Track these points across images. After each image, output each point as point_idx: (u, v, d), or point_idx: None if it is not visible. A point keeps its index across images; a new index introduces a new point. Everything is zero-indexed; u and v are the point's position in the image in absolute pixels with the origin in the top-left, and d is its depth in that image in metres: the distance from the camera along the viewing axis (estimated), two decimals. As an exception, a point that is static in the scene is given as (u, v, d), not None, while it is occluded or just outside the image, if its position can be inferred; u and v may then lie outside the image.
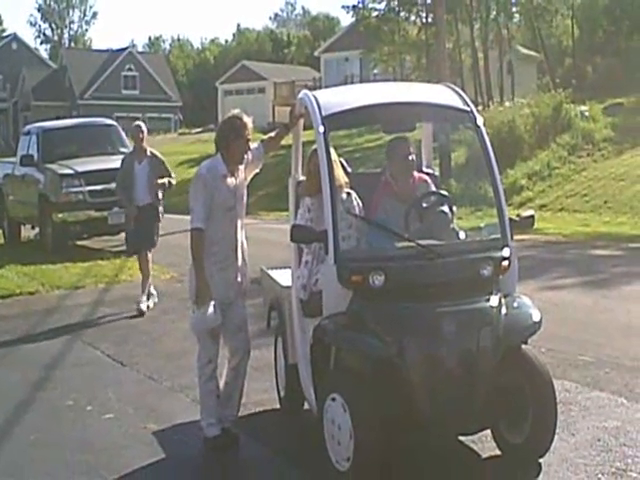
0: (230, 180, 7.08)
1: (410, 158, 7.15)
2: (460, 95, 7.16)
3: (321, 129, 6.65)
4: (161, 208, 13.21)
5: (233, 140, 7.03)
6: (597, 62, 53.84)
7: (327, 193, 6.42)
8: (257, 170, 7.50)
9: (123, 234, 19.74)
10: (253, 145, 7.33)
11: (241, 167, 7.19)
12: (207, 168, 7.09)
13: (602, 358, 9.12)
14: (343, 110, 6.86)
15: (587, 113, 30.21)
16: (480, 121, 6.95)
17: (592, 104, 32.11)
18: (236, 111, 7.25)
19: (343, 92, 8.16)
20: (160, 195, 13.08)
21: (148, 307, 12.74)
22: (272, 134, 7.73)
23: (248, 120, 7.09)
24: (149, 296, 12.96)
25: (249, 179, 7.39)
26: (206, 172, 7.05)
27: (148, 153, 12.98)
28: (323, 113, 6.74)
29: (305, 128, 7.64)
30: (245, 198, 7.28)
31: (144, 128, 13.04)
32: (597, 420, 7.24)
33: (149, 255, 13.06)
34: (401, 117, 7.13)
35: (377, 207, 7.19)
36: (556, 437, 6.43)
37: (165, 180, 12.86)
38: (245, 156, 7.15)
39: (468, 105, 7.02)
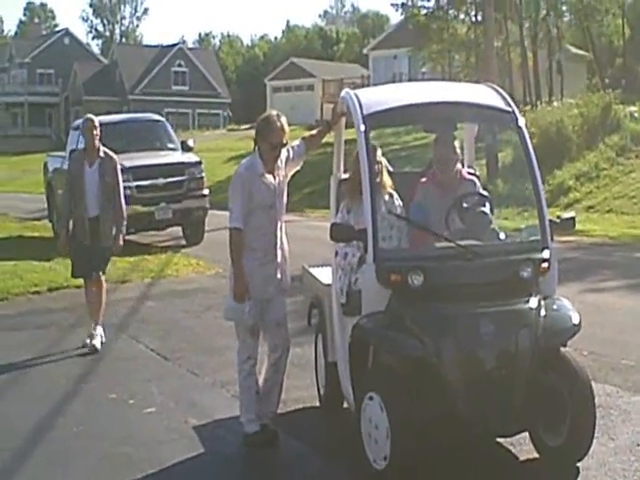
0: (269, 178, 7.11)
1: (455, 151, 7.17)
2: (502, 95, 7.17)
3: (362, 128, 6.69)
4: (122, 231, 10.82)
5: (260, 142, 7.08)
6: (648, 62, 53.43)
7: (367, 191, 6.46)
8: (298, 168, 7.51)
9: (170, 229, 20.05)
10: (294, 143, 7.37)
11: (281, 165, 7.22)
12: (245, 167, 7.13)
13: (645, 362, 9.06)
14: (384, 109, 6.89)
15: (636, 114, 29.90)
16: (522, 122, 6.96)
17: (642, 105, 31.80)
18: (271, 112, 7.25)
19: (385, 91, 8.22)
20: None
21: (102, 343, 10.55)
22: (314, 132, 7.75)
23: (279, 123, 7.04)
24: (94, 336, 10.52)
25: (289, 176, 7.42)
26: (244, 171, 7.09)
27: (101, 154, 10.63)
28: (364, 112, 6.78)
29: (347, 126, 7.67)
30: (285, 195, 7.31)
31: (97, 123, 10.67)
32: (637, 425, 7.20)
33: (101, 278, 10.72)
34: (442, 117, 7.18)
35: (419, 192, 7.24)
36: (595, 441, 6.40)
37: (120, 240, 10.68)
38: (284, 153, 7.18)
39: (510, 105, 7.03)
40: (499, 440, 6.79)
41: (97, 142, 10.58)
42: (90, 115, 11.09)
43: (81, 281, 14.90)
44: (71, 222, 10.70)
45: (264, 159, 7.11)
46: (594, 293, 12.71)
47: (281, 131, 7.04)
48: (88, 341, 10.43)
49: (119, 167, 10.76)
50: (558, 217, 6.92)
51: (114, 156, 10.72)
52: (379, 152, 7.29)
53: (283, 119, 7.13)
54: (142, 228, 19.27)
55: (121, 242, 10.72)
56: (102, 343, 10.48)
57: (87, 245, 10.53)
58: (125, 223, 10.79)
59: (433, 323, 6.14)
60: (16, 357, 10.17)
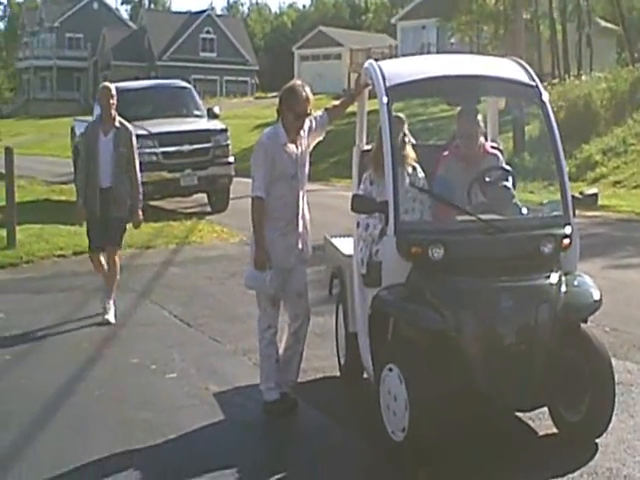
0: (291, 147, 7.13)
1: (479, 125, 7.15)
2: (526, 69, 7.12)
3: (385, 99, 6.67)
4: (140, 205, 10.52)
5: (285, 111, 7.09)
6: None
7: (389, 163, 6.46)
8: (320, 138, 7.51)
9: (195, 196, 20.11)
10: (317, 113, 7.37)
11: (304, 134, 7.23)
12: (268, 136, 7.15)
13: (667, 339, 9.03)
14: (407, 81, 6.88)
15: (666, 89, 29.68)
16: (545, 96, 6.92)
17: (672, 80, 31.51)
18: (296, 82, 7.26)
19: (408, 63, 8.20)
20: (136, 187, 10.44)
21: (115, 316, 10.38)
22: (336, 102, 7.78)
23: (304, 93, 7.04)
24: (108, 310, 10.37)
25: (312, 147, 7.42)
26: (267, 140, 7.11)
27: (116, 123, 10.31)
28: (387, 84, 6.76)
29: (370, 97, 7.66)
30: (307, 165, 7.32)
31: (114, 91, 10.33)
32: (657, 402, 7.18)
33: (115, 256, 10.54)
34: (465, 90, 7.16)
35: (442, 165, 7.24)
36: (615, 418, 6.41)
37: (139, 217, 10.51)
38: (306, 125, 7.20)
39: (534, 80, 6.98)
40: (518, 415, 6.80)
41: (113, 111, 10.24)
42: (106, 83, 10.84)
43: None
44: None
45: (287, 129, 7.12)
46: (618, 269, 12.66)
47: (306, 101, 7.04)
48: (103, 316, 10.27)
49: (134, 138, 10.45)
50: (581, 193, 6.89)
51: (130, 126, 10.45)
52: (405, 125, 7.29)
53: (307, 89, 7.14)
54: (167, 194, 19.38)
55: (140, 215, 10.53)
56: (115, 316, 10.31)
57: (98, 216, 10.26)
58: (141, 196, 10.50)
59: (453, 296, 6.15)
60: (40, 320, 10.28)
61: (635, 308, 10.41)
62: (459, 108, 7.42)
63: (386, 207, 6.44)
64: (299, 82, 7.27)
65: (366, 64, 7.28)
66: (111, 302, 10.43)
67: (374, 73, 6.94)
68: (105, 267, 10.55)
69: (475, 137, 7.18)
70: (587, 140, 26.35)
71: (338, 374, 8.13)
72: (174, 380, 8.16)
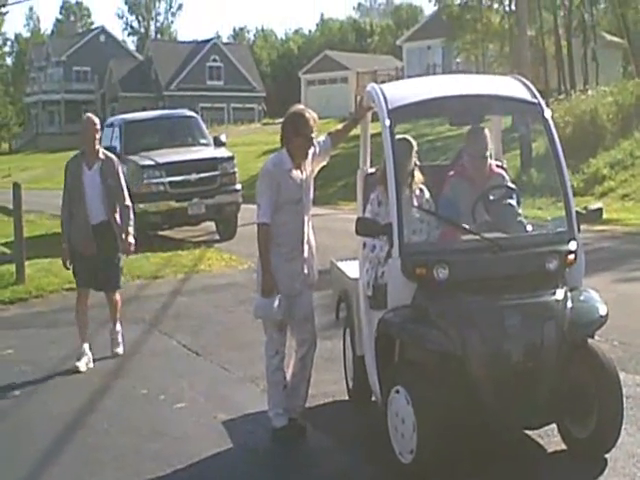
0: (296, 173, 7.15)
1: (487, 147, 7.14)
2: (528, 87, 7.13)
3: (387, 122, 6.69)
4: (131, 231, 9.93)
5: (292, 136, 7.11)
6: (685, 48, 52.76)
7: (392, 186, 6.46)
8: (324, 163, 7.54)
9: (203, 224, 20.13)
10: (320, 138, 7.40)
11: (308, 160, 7.25)
12: (273, 163, 7.17)
13: (676, 352, 8.97)
14: (409, 103, 6.90)
15: (672, 101, 29.63)
16: (547, 113, 6.92)
17: (678, 91, 31.47)
18: (299, 106, 7.34)
19: (410, 85, 8.22)
20: (126, 216, 9.95)
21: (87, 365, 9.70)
22: (339, 126, 7.78)
23: (310, 116, 7.11)
24: (81, 356, 9.72)
25: (316, 172, 7.45)
26: (272, 166, 7.13)
27: (101, 155, 9.87)
28: (389, 106, 6.78)
29: (373, 120, 7.66)
30: (312, 191, 7.33)
31: (97, 121, 9.88)
32: (666, 415, 7.14)
33: (116, 296, 10.18)
34: (468, 109, 7.14)
35: (448, 185, 7.23)
36: (624, 432, 6.39)
37: (131, 239, 9.92)
38: (311, 149, 7.21)
39: (536, 97, 6.98)
40: (527, 432, 6.76)
41: (97, 143, 9.83)
42: (90, 114, 10.26)
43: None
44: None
45: (294, 154, 7.15)
46: (627, 283, 12.61)
47: (313, 121, 7.11)
48: (77, 363, 9.59)
49: (120, 168, 10.02)
50: (585, 208, 6.88)
51: (114, 157, 10.05)
52: (415, 149, 7.28)
53: (312, 112, 7.21)
54: (175, 224, 19.41)
55: (132, 240, 9.95)
56: (124, 347, 10.14)
57: (90, 256, 9.72)
58: (133, 223, 9.96)
59: (458, 317, 6.14)
60: (49, 354, 10.29)
61: (644, 322, 10.32)
62: (468, 127, 7.41)
63: (390, 229, 6.43)
64: (302, 106, 7.36)
65: (368, 87, 7.30)
66: (119, 335, 10.22)
67: (376, 96, 6.95)
68: (85, 315, 10.05)
69: (485, 157, 7.17)
70: (594, 154, 26.31)
71: (347, 398, 8.10)
72: (183, 409, 8.14)
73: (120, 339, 10.25)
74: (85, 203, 9.77)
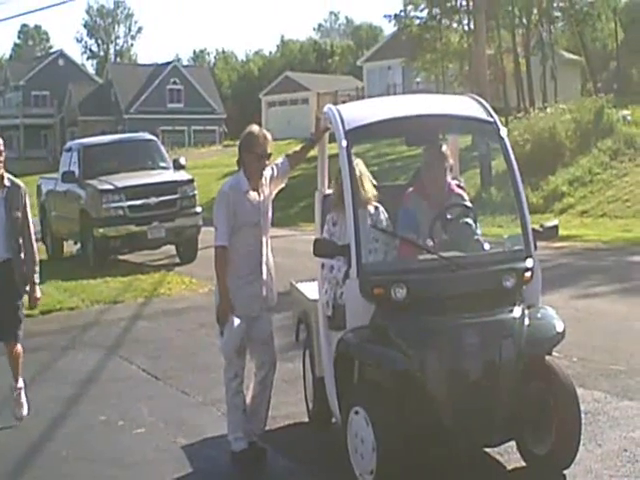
0: (254, 195, 7.13)
1: (444, 164, 7.15)
2: (484, 106, 7.15)
3: (344, 143, 6.70)
4: (37, 281, 8.53)
5: (245, 156, 7.10)
6: (643, 65, 53.45)
7: (349, 206, 6.47)
8: (282, 185, 7.53)
9: (164, 248, 20.04)
10: (278, 160, 7.40)
11: (265, 182, 7.23)
12: (230, 185, 7.16)
13: (634, 367, 9.01)
14: (366, 124, 6.91)
15: (629, 117, 29.93)
16: (503, 132, 6.96)
17: (635, 108, 31.79)
18: (253, 126, 7.31)
19: (367, 106, 8.25)
20: (30, 251, 8.54)
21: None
22: (297, 148, 7.77)
23: (262, 134, 7.11)
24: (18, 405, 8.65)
25: (274, 194, 7.43)
26: (229, 189, 7.12)
27: (6, 182, 8.53)
28: (346, 127, 6.79)
29: (331, 141, 7.67)
30: (270, 213, 7.32)
31: (1, 145, 8.40)
32: (625, 430, 7.17)
33: (17, 347, 8.64)
34: (424, 129, 7.18)
35: (407, 199, 7.23)
36: (582, 448, 6.40)
37: (37, 293, 8.54)
38: (267, 170, 7.20)
39: (492, 116, 7.01)
40: (487, 450, 6.76)
41: (2, 169, 8.46)
42: None
43: (73, 303, 14.82)
44: None
45: (250, 174, 7.13)
46: (586, 299, 12.70)
47: (265, 140, 7.10)
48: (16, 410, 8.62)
49: (28, 197, 8.69)
50: (541, 226, 6.90)
51: (21, 185, 8.69)
52: (359, 162, 7.27)
53: (265, 131, 7.21)
54: (135, 248, 19.34)
55: (38, 293, 8.58)
56: (29, 409, 8.70)
57: None
58: (38, 268, 8.57)
59: (416, 336, 6.13)
60: (4, 383, 10.09)
61: (602, 337, 10.39)
62: (426, 149, 7.41)
63: (348, 250, 6.42)
64: (255, 126, 7.34)
65: (325, 108, 7.31)
66: (22, 394, 8.70)
67: (333, 117, 6.96)
68: None
69: (440, 176, 7.17)
70: (553, 171, 26.56)
71: (307, 420, 8.06)
72: (143, 435, 8.06)
73: (23, 399, 8.69)
74: None
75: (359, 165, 7.19)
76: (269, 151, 7.13)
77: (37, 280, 8.54)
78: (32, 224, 8.68)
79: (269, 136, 7.17)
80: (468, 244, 6.85)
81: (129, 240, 18.57)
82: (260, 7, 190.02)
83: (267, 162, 7.17)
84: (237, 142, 7.32)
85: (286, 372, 8.81)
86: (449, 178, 7.33)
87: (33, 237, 8.62)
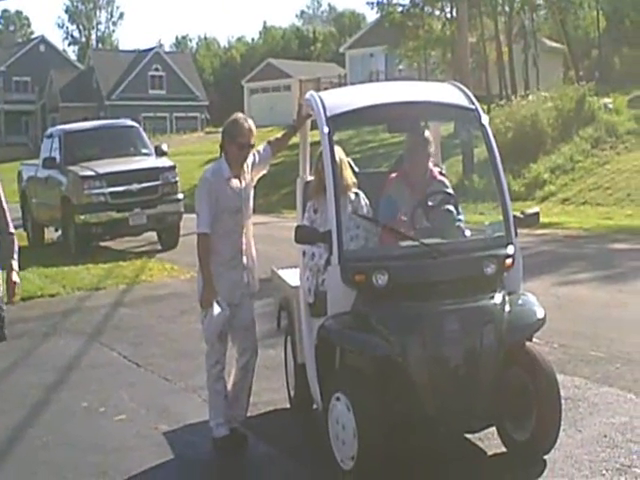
0: (235, 182, 7.11)
1: (427, 149, 7.16)
2: (465, 93, 7.16)
3: (325, 130, 6.69)
4: (15, 267, 7.19)
5: (229, 144, 7.08)
6: (624, 53, 53.55)
7: (331, 193, 6.47)
8: (264, 171, 7.51)
9: (145, 234, 20.01)
10: (260, 147, 7.38)
11: (247, 169, 7.22)
12: (212, 172, 7.13)
13: (614, 353, 9.07)
14: (347, 110, 6.90)
15: (611, 105, 30.03)
16: (485, 120, 6.96)
17: (616, 96, 31.91)
18: (238, 114, 7.27)
19: (349, 92, 8.26)
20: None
21: None
22: (279, 135, 7.74)
23: (246, 123, 7.08)
24: None
25: (255, 180, 7.41)
26: (210, 176, 7.09)
27: None
28: (328, 114, 6.79)
29: (312, 128, 7.66)
30: (252, 200, 7.30)
31: None
32: (604, 416, 7.22)
33: None
34: (405, 116, 7.18)
35: (390, 185, 7.25)
36: (562, 434, 6.45)
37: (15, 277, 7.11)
38: (250, 158, 7.19)
39: (473, 103, 7.02)
40: (467, 436, 6.80)
41: None
42: None
43: (54, 290, 14.77)
44: None
45: (231, 162, 7.11)
46: (567, 286, 12.76)
47: (249, 132, 7.06)
48: None
49: (2, 186, 7.52)
50: (522, 212, 6.92)
51: None
52: (338, 149, 7.26)
53: (250, 121, 7.16)
54: (116, 234, 19.31)
55: (16, 279, 7.18)
56: None
57: None
58: (16, 255, 7.36)
59: (398, 322, 6.15)
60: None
61: (583, 324, 10.45)
62: (408, 136, 7.42)
63: (329, 237, 6.42)
64: (241, 115, 7.28)
65: (307, 95, 7.30)
66: None
67: (315, 104, 6.96)
68: None
69: (423, 162, 7.18)
70: (535, 159, 26.63)
71: (288, 406, 8.08)
72: (123, 422, 8.06)
73: None
74: None
75: (338, 152, 7.18)
76: (252, 142, 7.10)
77: (16, 267, 7.46)
78: (7, 210, 7.58)
79: (254, 127, 7.12)
80: (449, 231, 6.86)
81: (110, 227, 18.54)
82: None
83: (249, 152, 7.15)
84: (219, 129, 7.29)
85: (267, 359, 8.81)
86: (431, 165, 7.34)
87: (11, 226, 7.46)
